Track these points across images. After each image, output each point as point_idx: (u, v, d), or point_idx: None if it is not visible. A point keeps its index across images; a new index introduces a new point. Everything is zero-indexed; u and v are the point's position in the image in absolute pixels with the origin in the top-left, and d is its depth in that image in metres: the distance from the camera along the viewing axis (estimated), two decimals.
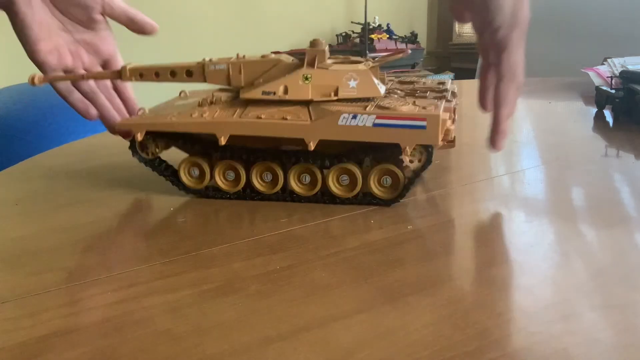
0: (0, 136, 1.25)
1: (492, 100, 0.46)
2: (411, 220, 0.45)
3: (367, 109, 0.45)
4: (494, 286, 0.35)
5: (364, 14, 2.55)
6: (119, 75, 0.51)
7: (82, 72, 0.55)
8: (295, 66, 0.48)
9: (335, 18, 2.80)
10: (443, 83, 0.54)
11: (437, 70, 2.82)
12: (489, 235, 0.43)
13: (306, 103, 0.47)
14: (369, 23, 2.61)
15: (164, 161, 0.53)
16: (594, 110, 0.81)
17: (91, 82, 0.55)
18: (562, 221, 0.44)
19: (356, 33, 2.66)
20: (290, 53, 0.54)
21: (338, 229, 0.44)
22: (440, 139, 0.43)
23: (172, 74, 0.50)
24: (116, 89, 0.59)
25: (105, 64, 0.57)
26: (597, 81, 0.89)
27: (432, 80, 0.56)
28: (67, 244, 0.45)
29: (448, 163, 0.59)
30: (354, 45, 2.58)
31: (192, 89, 0.58)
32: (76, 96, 0.55)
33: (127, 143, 0.53)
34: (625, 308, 0.31)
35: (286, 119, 0.46)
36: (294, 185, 0.49)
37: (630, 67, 0.83)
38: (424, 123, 0.43)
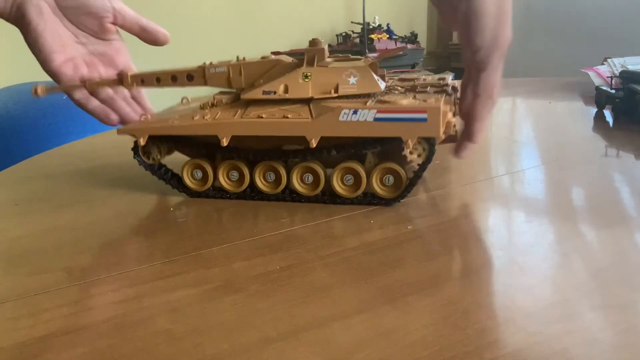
0: (0, 136, 1.25)
1: (466, 113, 0.46)
2: (411, 220, 0.45)
3: (368, 104, 0.45)
4: (494, 286, 0.35)
5: (365, 14, 2.55)
6: (121, 82, 0.51)
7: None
8: (295, 66, 0.48)
9: (335, 18, 2.80)
10: (443, 79, 0.54)
11: (437, 70, 2.82)
12: (489, 236, 0.43)
13: (307, 101, 0.47)
14: (368, 23, 2.61)
15: (164, 165, 0.53)
16: (594, 110, 0.81)
17: (108, 90, 0.55)
18: (562, 221, 0.44)
19: (356, 33, 2.66)
20: (290, 53, 0.54)
21: (338, 229, 0.44)
22: (441, 131, 0.43)
23: (173, 78, 0.51)
24: (134, 99, 0.59)
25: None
26: (597, 81, 0.89)
27: (432, 76, 0.56)
28: (67, 244, 0.45)
29: (448, 163, 0.59)
30: (354, 45, 2.58)
31: (193, 95, 0.58)
32: (95, 104, 0.55)
33: (126, 143, 0.53)
34: (625, 308, 0.31)
35: (287, 117, 0.46)
36: (297, 185, 0.49)
37: (630, 67, 0.83)
38: (424, 115, 0.43)
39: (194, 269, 0.38)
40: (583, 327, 0.30)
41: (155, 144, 0.52)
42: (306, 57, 0.47)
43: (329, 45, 2.60)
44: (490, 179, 0.55)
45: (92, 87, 0.52)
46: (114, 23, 0.54)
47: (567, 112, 0.83)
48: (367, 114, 0.44)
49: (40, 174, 0.66)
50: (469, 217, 0.46)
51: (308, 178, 0.49)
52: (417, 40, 2.74)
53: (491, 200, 0.49)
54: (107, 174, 0.63)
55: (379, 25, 2.69)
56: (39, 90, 0.51)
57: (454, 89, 0.51)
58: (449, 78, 0.54)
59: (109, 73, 0.56)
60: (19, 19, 0.51)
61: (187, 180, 0.52)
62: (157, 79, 0.51)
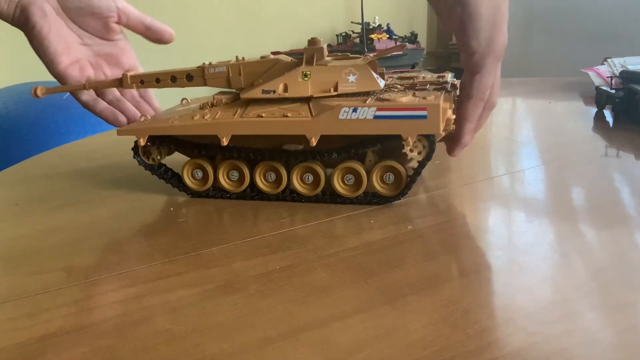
0: (0, 136, 1.25)
1: (458, 113, 0.47)
2: (411, 220, 0.45)
3: (367, 101, 0.45)
4: (494, 286, 0.35)
5: (363, 14, 2.55)
6: (120, 83, 0.51)
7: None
8: (294, 65, 0.48)
9: (335, 18, 2.80)
10: (443, 77, 0.54)
11: (437, 71, 2.82)
12: (489, 235, 0.43)
13: (306, 100, 0.47)
14: (368, 23, 2.61)
15: (163, 164, 0.53)
16: (594, 110, 0.81)
17: (116, 92, 0.55)
18: (562, 221, 0.44)
19: (356, 33, 2.66)
20: (290, 53, 0.54)
21: (338, 229, 0.44)
22: (441, 128, 0.44)
23: (172, 79, 0.51)
24: (142, 98, 0.59)
25: None
26: (597, 81, 0.89)
27: (431, 74, 0.56)
28: (67, 244, 0.45)
29: (448, 163, 0.59)
30: (354, 45, 2.58)
31: (193, 96, 0.58)
32: (102, 105, 0.55)
33: (126, 143, 0.53)
34: (625, 308, 0.31)
35: (287, 116, 0.46)
36: (297, 184, 0.49)
37: (630, 67, 0.83)
38: (424, 113, 0.43)
39: (194, 269, 0.38)
40: (583, 327, 0.30)
41: (155, 144, 0.52)
42: (305, 56, 0.47)
43: (329, 45, 2.60)
44: (490, 179, 0.55)
45: (92, 87, 0.52)
46: (118, 22, 0.54)
47: (567, 112, 0.83)
48: (367, 112, 0.44)
49: (40, 174, 0.66)
50: (469, 217, 0.46)
51: (308, 178, 0.49)
52: (417, 40, 2.74)
53: (491, 200, 0.49)
54: (107, 174, 0.63)
55: (379, 25, 2.69)
56: (39, 91, 0.51)
57: (454, 86, 0.51)
58: (449, 76, 0.54)
59: (114, 73, 0.55)
60: (23, 22, 0.51)
61: (188, 180, 0.52)
62: (157, 80, 0.51)
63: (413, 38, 2.73)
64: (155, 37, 0.56)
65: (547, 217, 0.44)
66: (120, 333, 0.31)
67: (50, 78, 0.55)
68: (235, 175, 0.51)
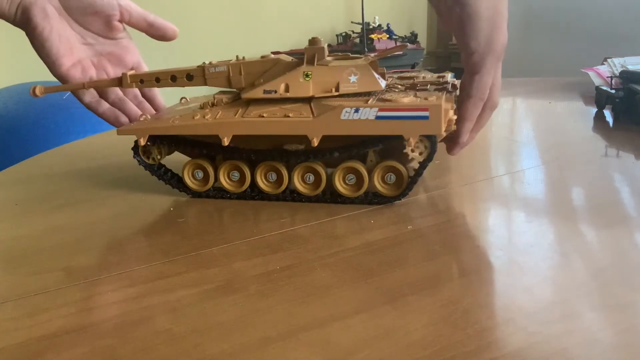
0: (0, 136, 1.25)
1: (458, 113, 0.47)
2: (411, 220, 0.45)
3: (369, 102, 0.45)
4: (494, 286, 0.35)
5: (364, 14, 2.55)
6: (120, 82, 0.51)
7: None
8: (295, 65, 0.48)
9: (335, 18, 2.80)
10: (443, 76, 0.54)
11: (437, 71, 2.82)
12: (489, 236, 0.43)
13: (307, 100, 0.47)
14: (368, 23, 2.61)
15: (163, 165, 0.53)
16: (594, 110, 0.81)
17: (118, 92, 0.55)
18: (562, 221, 0.44)
19: (356, 33, 2.66)
20: (290, 53, 0.54)
21: (338, 229, 0.44)
22: (443, 128, 0.44)
23: (172, 78, 0.51)
24: (146, 98, 0.59)
25: None
26: (597, 81, 0.89)
27: (431, 74, 0.56)
28: (67, 244, 0.45)
29: (448, 163, 0.59)
30: (354, 45, 2.58)
31: (192, 95, 0.58)
32: (105, 107, 0.55)
33: (126, 143, 0.53)
34: (625, 308, 0.31)
35: (288, 116, 0.46)
36: (298, 184, 0.49)
37: (630, 67, 0.83)
38: (426, 113, 0.43)
39: (194, 269, 0.38)
40: (583, 327, 0.30)
41: (156, 144, 0.51)
42: (306, 55, 0.47)
43: (329, 45, 2.60)
44: (490, 179, 0.55)
45: (91, 87, 0.52)
46: (121, 20, 0.54)
47: (567, 112, 0.83)
48: (369, 113, 0.44)
49: (40, 174, 0.66)
50: (469, 217, 0.46)
51: (309, 178, 0.49)
52: (417, 40, 2.74)
53: (491, 200, 0.49)
54: (107, 174, 0.63)
55: (379, 25, 2.69)
56: (37, 91, 0.51)
57: (454, 86, 0.51)
58: (449, 76, 0.54)
59: (118, 72, 0.55)
60: (25, 23, 0.50)
61: (188, 181, 0.52)
62: (157, 79, 0.51)
63: (413, 38, 2.73)
64: (158, 34, 0.55)
65: (547, 217, 0.44)
66: (120, 333, 0.31)
67: (51, 78, 0.54)
68: (235, 175, 0.51)
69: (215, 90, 0.53)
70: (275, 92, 0.47)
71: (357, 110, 0.44)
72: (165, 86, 0.51)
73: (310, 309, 0.33)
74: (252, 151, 0.49)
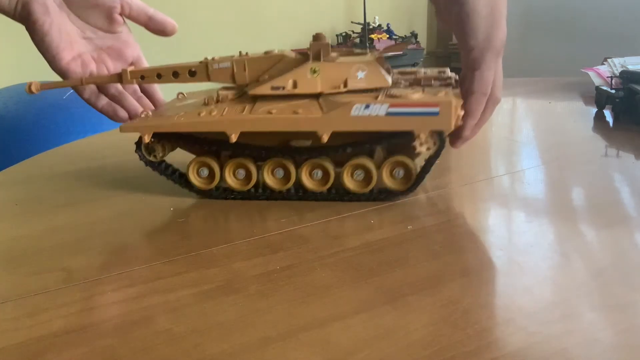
0: (0, 136, 1.25)
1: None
2: (411, 220, 0.45)
3: (379, 98, 0.45)
4: (494, 286, 0.35)
5: (365, 14, 2.55)
6: (120, 78, 0.51)
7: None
8: (301, 61, 0.47)
9: (335, 18, 2.80)
10: (443, 72, 0.54)
11: None
12: (489, 236, 0.43)
13: (315, 96, 0.47)
14: (368, 23, 2.61)
15: (164, 161, 0.53)
16: (594, 110, 0.81)
17: (118, 86, 0.54)
18: (562, 221, 0.44)
19: (356, 33, 2.66)
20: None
21: (338, 229, 0.44)
22: (453, 124, 0.44)
23: (174, 74, 0.50)
24: (145, 93, 0.58)
25: None
26: (597, 81, 0.89)
27: (431, 70, 0.56)
28: (67, 244, 0.45)
29: (448, 163, 0.59)
30: (354, 45, 2.58)
31: (188, 90, 0.58)
32: (103, 102, 0.54)
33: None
34: (625, 308, 0.31)
35: (297, 112, 0.46)
36: (306, 181, 0.49)
37: (630, 67, 0.83)
38: (436, 109, 0.44)
39: (194, 269, 0.38)
40: (583, 327, 0.30)
41: (160, 142, 0.51)
42: (312, 52, 0.47)
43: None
44: (490, 179, 0.55)
45: (89, 83, 0.52)
46: (121, 13, 0.54)
47: (567, 112, 0.83)
48: (380, 109, 0.44)
49: (40, 174, 0.66)
50: (469, 217, 0.46)
51: (317, 174, 0.49)
52: (417, 40, 2.74)
53: (491, 200, 0.49)
54: (107, 174, 0.63)
55: (379, 25, 2.69)
56: (33, 87, 0.51)
57: (457, 82, 0.51)
58: (448, 71, 0.54)
59: (117, 67, 0.55)
60: (25, 18, 0.50)
61: (193, 178, 0.52)
62: (158, 75, 0.50)
63: (413, 38, 2.73)
64: (158, 28, 0.55)
65: (547, 217, 0.44)
66: (120, 333, 0.31)
67: (51, 78, 0.54)
68: (241, 173, 0.51)
69: (209, 85, 0.53)
70: (283, 88, 0.47)
71: (367, 107, 0.44)
72: (167, 82, 0.50)
73: (310, 309, 0.33)
74: (260, 148, 0.49)
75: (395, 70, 0.57)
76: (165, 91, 0.58)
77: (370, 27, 2.64)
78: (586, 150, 0.63)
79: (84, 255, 0.42)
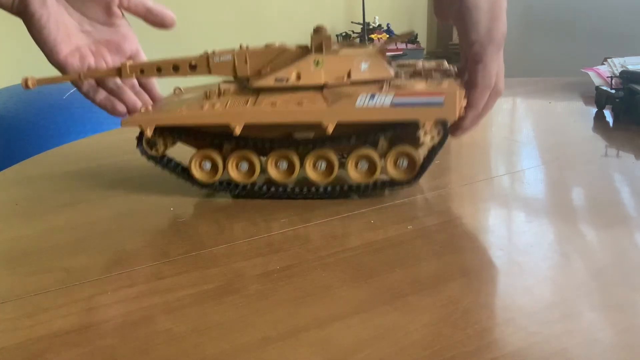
0: (0, 136, 1.25)
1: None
2: (411, 220, 0.45)
3: (384, 89, 0.45)
4: (494, 286, 0.35)
5: (365, 14, 2.55)
6: (119, 72, 0.51)
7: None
8: (302, 54, 0.47)
9: (335, 18, 2.80)
10: (442, 64, 0.54)
11: None
12: (489, 235, 0.43)
13: (318, 88, 0.47)
14: (368, 23, 2.61)
15: (172, 159, 0.53)
16: (594, 110, 0.81)
17: (117, 80, 0.54)
18: (562, 221, 0.44)
19: (356, 33, 2.66)
20: None
21: (338, 229, 0.44)
22: (457, 114, 0.45)
23: (175, 68, 0.49)
24: (143, 88, 0.58)
25: None
26: (597, 81, 0.89)
27: (429, 62, 0.56)
28: (67, 244, 0.45)
29: (448, 163, 0.59)
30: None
31: (185, 85, 0.57)
32: (102, 96, 0.54)
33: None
34: (625, 308, 0.31)
35: (302, 104, 0.46)
36: (310, 172, 0.49)
37: (630, 67, 0.83)
38: (441, 99, 0.44)
39: (194, 269, 0.38)
40: (583, 327, 0.30)
41: (161, 136, 0.51)
42: (314, 44, 0.47)
43: None
44: (490, 179, 0.55)
45: (88, 77, 0.51)
46: (120, 6, 0.53)
47: (567, 112, 0.83)
48: (385, 99, 0.45)
49: (40, 174, 0.66)
50: (469, 217, 0.46)
51: (321, 165, 0.49)
52: (417, 40, 2.74)
53: (491, 200, 0.49)
54: (107, 174, 0.63)
55: (379, 25, 2.69)
56: (29, 82, 0.50)
57: (457, 73, 0.51)
58: (445, 63, 0.54)
59: (116, 60, 0.54)
60: (22, 11, 0.50)
61: (196, 172, 0.51)
62: (158, 69, 0.50)
63: (413, 38, 2.73)
64: (156, 20, 0.55)
65: (547, 217, 0.44)
66: (120, 333, 0.31)
67: (51, 73, 0.54)
68: (244, 166, 0.51)
69: (206, 81, 0.52)
70: (287, 80, 0.47)
71: (372, 97, 0.45)
72: (167, 76, 0.50)
73: (310, 309, 0.33)
74: (263, 140, 0.49)
75: (393, 63, 0.57)
76: (161, 87, 0.57)
77: (370, 27, 2.64)
78: (586, 150, 0.63)
79: (84, 255, 0.42)
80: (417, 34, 2.78)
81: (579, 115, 0.81)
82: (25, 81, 0.50)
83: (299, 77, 0.47)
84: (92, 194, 0.56)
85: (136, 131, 0.51)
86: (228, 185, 0.51)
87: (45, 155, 0.76)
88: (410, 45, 2.60)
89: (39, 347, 0.30)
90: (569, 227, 0.43)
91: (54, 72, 0.54)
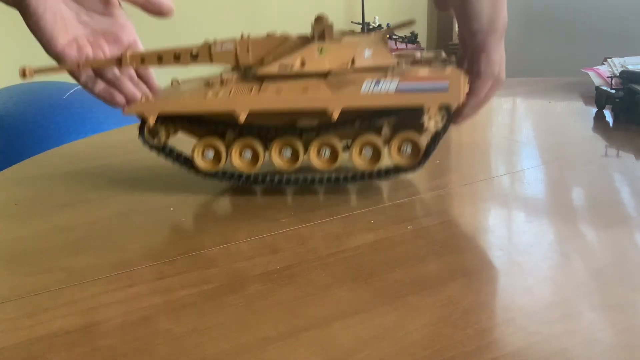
0: (0, 136, 1.25)
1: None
2: (411, 220, 0.45)
3: (388, 75, 0.45)
4: (494, 286, 0.35)
5: (364, 14, 2.55)
6: (119, 61, 0.50)
7: None
8: (304, 42, 0.48)
9: (335, 18, 2.78)
10: (439, 54, 0.54)
11: None
12: (489, 236, 0.43)
13: (322, 76, 0.47)
14: (368, 23, 2.61)
15: (174, 148, 0.52)
16: (594, 110, 0.81)
17: (115, 70, 0.54)
18: (562, 221, 0.44)
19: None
20: None
21: (338, 228, 0.44)
22: (462, 98, 0.45)
23: (176, 57, 0.49)
24: (141, 79, 0.58)
25: None
26: (597, 81, 0.89)
27: (427, 52, 0.56)
28: (67, 244, 0.45)
29: (448, 163, 0.59)
30: None
31: (182, 77, 0.57)
32: (100, 87, 0.53)
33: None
34: (625, 308, 0.31)
35: (307, 90, 0.46)
36: (314, 159, 0.49)
37: (630, 67, 0.83)
38: (446, 84, 0.45)
39: (194, 269, 0.38)
40: (583, 327, 0.30)
41: (163, 124, 0.50)
42: (316, 33, 0.47)
43: None
44: (490, 179, 0.55)
45: (86, 67, 0.51)
46: None
47: (567, 112, 0.83)
48: (390, 85, 0.45)
49: (40, 174, 0.66)
50: (469, 217, 0.46)
51: (325, 152, 0.49)
52: (417, 40, 2.74)
53: (491, 200, 0.49)
54: (107, 174, 0.63)
55: (379, 25, 2.69)
56: (27, 72, 0.50)
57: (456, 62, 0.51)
58: (443, 53, 0.55)
59: (114, 51, 0.54)
60: (18, 2, 0.50)
61: (199, 161, 0.51)
62: (159, 58, 0.49)
63: (413, 38, 2.73)
64: (154, 8, 0.54)
65: (547, 217, 0.44)
66: (120, 333, 0.31)
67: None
68: (248, 155, 0.50)
69: (203, 72, 0.52)
70: (292, 67, 0.47)
71: (378, 83, 0.45)
72: (168, 65, 0.49)
73: (310, 309, 0.33)
74: (266, 128, 0.49)
75: (392, 54, 0.57)
76: (157, 79, 0.57)
77: (370, 27, 2.64)
78: (586, 150, 0.63)
79: (84, 255, 0.42)
80: (417, 34, 2.78)
81: (579, 115, 0.81)
82: (23, 70, 0.50)
83: (303, 64, 0.47)
84: (92, 194, 0.56)
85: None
86: (231, 176, 0.51)
87: (45, 155, 0.76)
88: (410, 45, 2.60)
89: (39, 347, 0.31)
90: (569, 227, 0.43)
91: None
